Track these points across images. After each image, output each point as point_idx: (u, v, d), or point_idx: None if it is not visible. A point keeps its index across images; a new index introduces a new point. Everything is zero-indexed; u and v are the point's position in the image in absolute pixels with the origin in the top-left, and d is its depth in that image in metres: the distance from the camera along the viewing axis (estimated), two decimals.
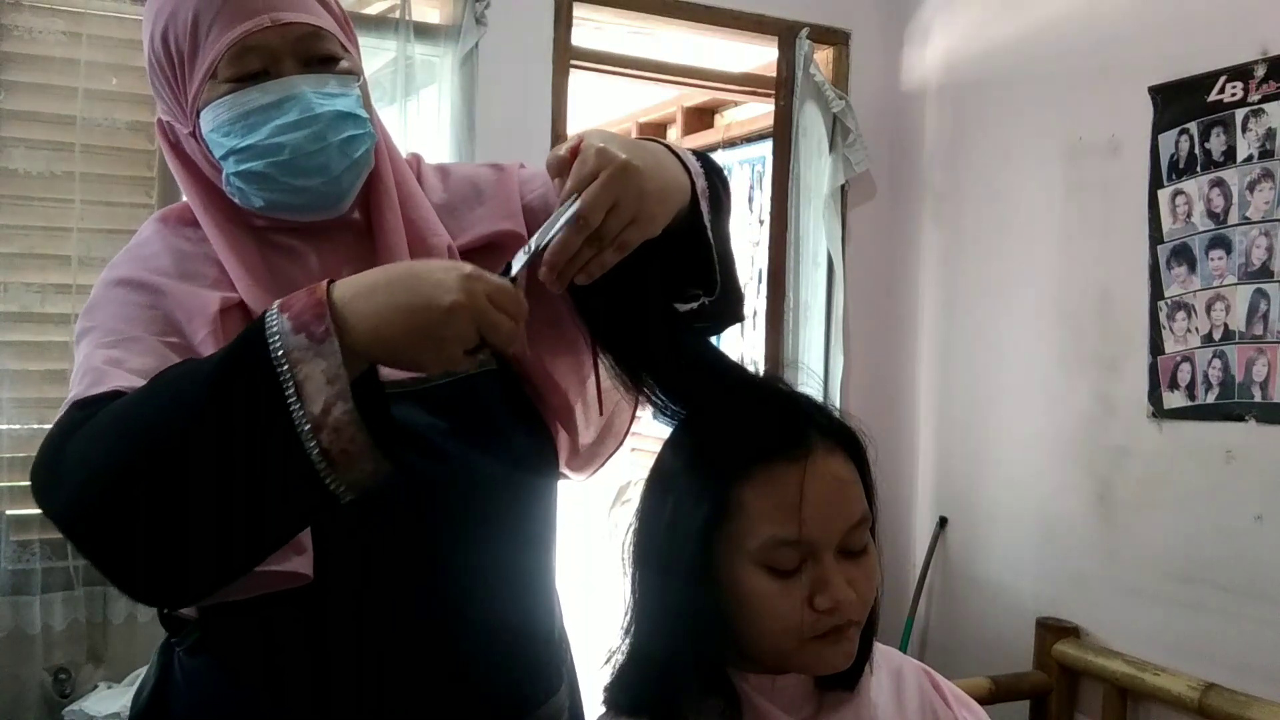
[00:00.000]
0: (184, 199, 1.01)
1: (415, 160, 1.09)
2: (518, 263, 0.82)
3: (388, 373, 0.85)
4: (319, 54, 0.94)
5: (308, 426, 0.72)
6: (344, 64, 0.95)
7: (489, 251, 1.00)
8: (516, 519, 1.01)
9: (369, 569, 0.92)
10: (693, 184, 0.92)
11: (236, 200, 0.95)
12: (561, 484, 1.11)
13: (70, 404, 0.83)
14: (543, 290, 0.87)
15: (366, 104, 0.97)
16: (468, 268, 0.78)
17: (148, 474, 0.73)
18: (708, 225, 0.92)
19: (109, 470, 0.75)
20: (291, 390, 0.72)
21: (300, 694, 0.93)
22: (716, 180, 0.97)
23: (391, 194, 0.99)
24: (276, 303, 0.77)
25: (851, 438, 0.85)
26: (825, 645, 0.80)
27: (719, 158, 3.93)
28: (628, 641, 0.87)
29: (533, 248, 0.82)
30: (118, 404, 0.79)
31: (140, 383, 0.81)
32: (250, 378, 0.73)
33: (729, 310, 1.01)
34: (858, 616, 0.81)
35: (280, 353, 0.73)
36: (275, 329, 0.74)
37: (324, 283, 0.77)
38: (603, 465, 1.15)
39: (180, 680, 0.98)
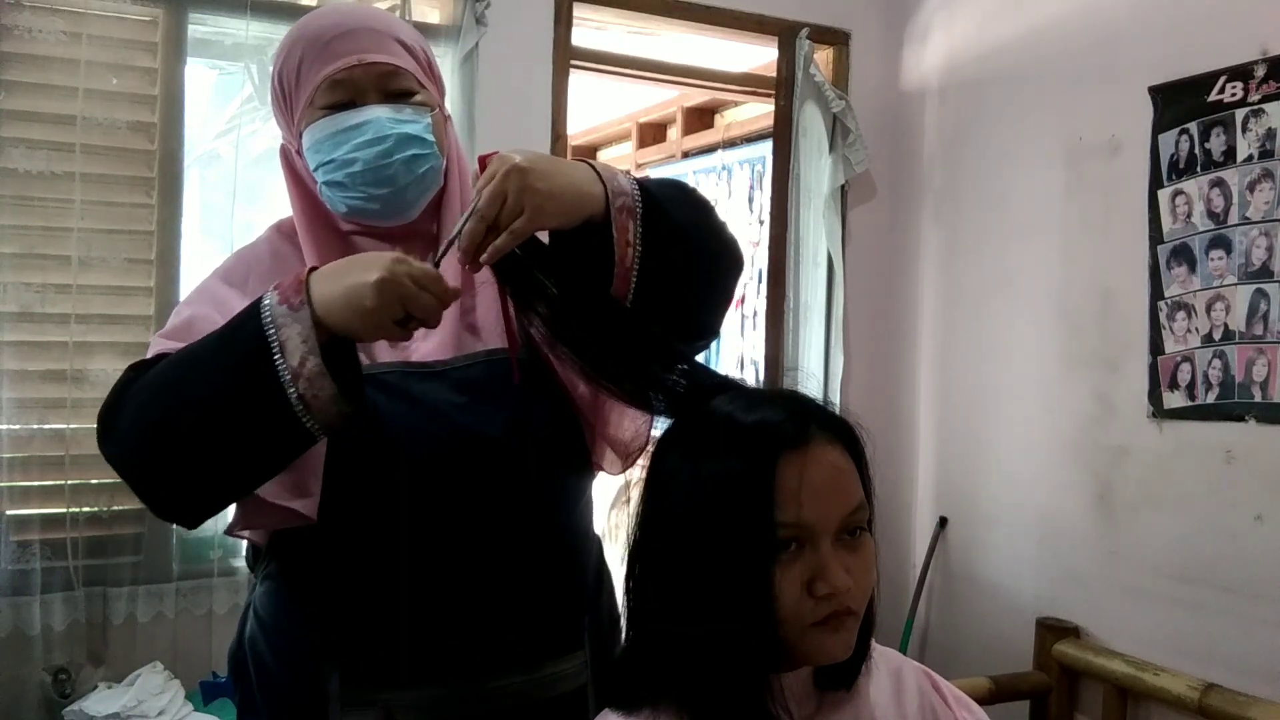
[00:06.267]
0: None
1: None
2: (441, 250, 1.01)
3: (419, 355, 1.09)
4: (397, 89, 1.12)
5: (288, 376, 0.93)
6: (419, 97, 1.13)
7: None
8: (530, 486, 1.12)
9: (390, 520, 1.08)
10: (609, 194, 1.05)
11: (329, 207, 1.14)
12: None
13: (128, 366, 1.05)
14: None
15: (441, 132, 1.15)
16: (395, 254, 0.95)
17: (173, 425, 0.97)
18: (614, 228, 1.04)
19: (146, 426, 0.98)
20: (276, 348, 0.93)
21: (344, 615, 1.10)
22: (674, 193, 1.12)
23: (458, 208, 1.16)
24: (273, 285, 0.97)
25: (848, 430, 0.87)
26: (825, 633, 0.81)
27: (719, 158, 3.94)
28: (637, 635, 0.87)
29: (452, 235, 1.00)
30: (155, 369, 1.01)
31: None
32: (246, 340, 0.95)
33: (698, 267, 1.12)
34: (855, 605, 0.82)
35: (268, 318, 0.94)
36: (267, 303, 0.95)
37: (306, 268, 0.97)
38: (633, 462, 1.24)
39: (255, 604, 1.18)
